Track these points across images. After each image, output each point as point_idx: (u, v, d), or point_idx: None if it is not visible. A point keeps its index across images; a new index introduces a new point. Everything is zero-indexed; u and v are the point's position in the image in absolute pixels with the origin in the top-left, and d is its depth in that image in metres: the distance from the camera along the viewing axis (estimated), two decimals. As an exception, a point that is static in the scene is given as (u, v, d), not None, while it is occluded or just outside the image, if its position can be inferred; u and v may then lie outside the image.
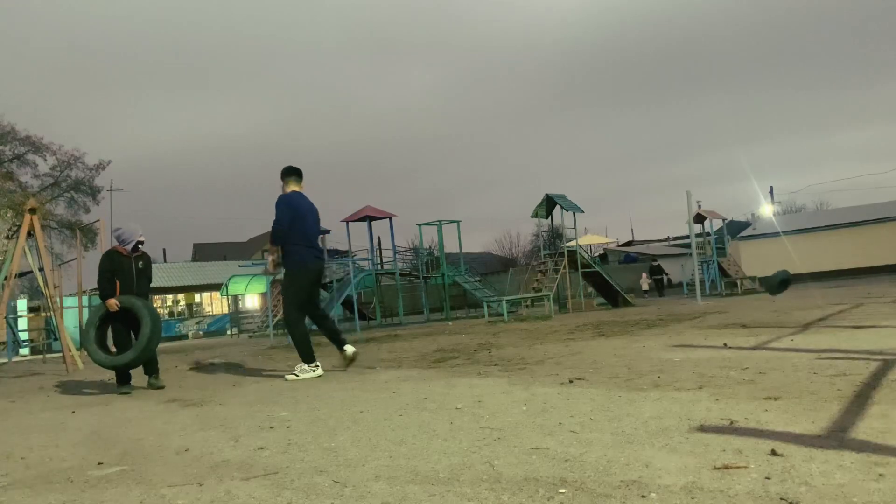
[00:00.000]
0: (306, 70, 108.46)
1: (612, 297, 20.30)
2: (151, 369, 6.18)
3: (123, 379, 6.02)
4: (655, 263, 29.72)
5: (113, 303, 5.93)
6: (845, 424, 2.55)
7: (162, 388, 5.99)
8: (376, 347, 9.51)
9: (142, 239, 6.17)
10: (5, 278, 10.51)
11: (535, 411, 3.34)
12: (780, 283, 14.04)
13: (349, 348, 6.19)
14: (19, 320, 19.50)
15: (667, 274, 29.03)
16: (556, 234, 24.72)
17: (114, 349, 6.11)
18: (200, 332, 30.11)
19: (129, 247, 6.10)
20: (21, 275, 14.12)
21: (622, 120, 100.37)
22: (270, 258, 6.26)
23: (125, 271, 6.07)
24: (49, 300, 10.91)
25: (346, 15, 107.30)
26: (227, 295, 29.64)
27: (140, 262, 6.18)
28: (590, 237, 34.86)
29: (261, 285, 26.50)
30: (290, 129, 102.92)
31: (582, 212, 19.96)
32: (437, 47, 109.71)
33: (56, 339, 14.29)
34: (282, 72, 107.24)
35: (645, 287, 30.89)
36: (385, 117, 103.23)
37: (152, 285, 6.43)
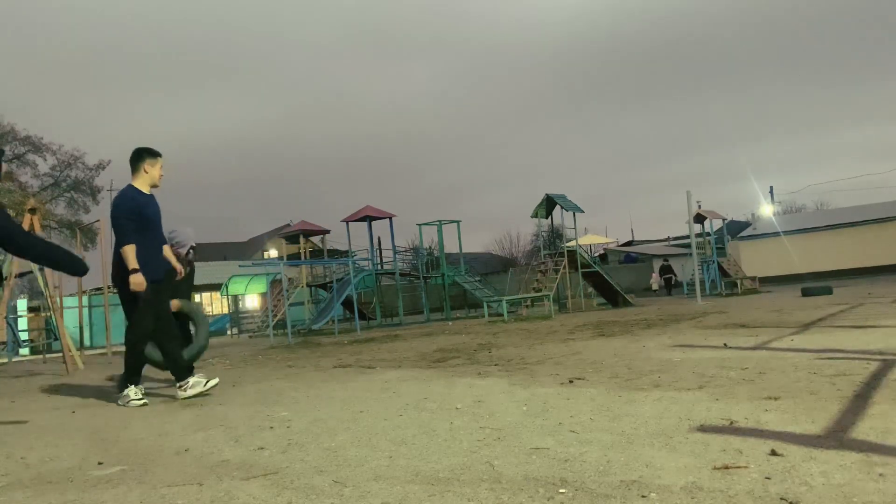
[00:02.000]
0: (305, 68, 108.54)
1: (612, 297, 20.30)
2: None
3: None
4: (666, 263, 30.31)
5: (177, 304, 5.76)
6: (845, 424, 2.55)
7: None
8: (376, 347, 9.52)
9: (194, 245, 6.07)
10: (5, 278, 10.51)
11: (535, 411, 3.35)
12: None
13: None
14: (19, 320, 19.50)
15: (675, 274, 29.48)
16: (556, 234, 24.72)
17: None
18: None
19: (183, 251, 5.96)
20: (21, 275, 14.12)
21: (622, 120, 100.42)
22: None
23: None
24: (49, 300, 10.91)
25: (345, 12, 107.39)
26: (227, 295, 29.64)
27: (187, 268, 6.15)
28: (590, 237, 34.91)
29: (261, 285, 26.49)
30: (289, 127, 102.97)
31: (582, 212, 19.96)
32: (437, 46, 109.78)
33: (56, 339, 14.28)
34: (281, 70, 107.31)
35: (655, 287, 31.65)
36: (385, 116, 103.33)
37: None
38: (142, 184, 4.96)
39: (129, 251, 4.76)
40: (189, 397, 4.94)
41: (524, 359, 6.00)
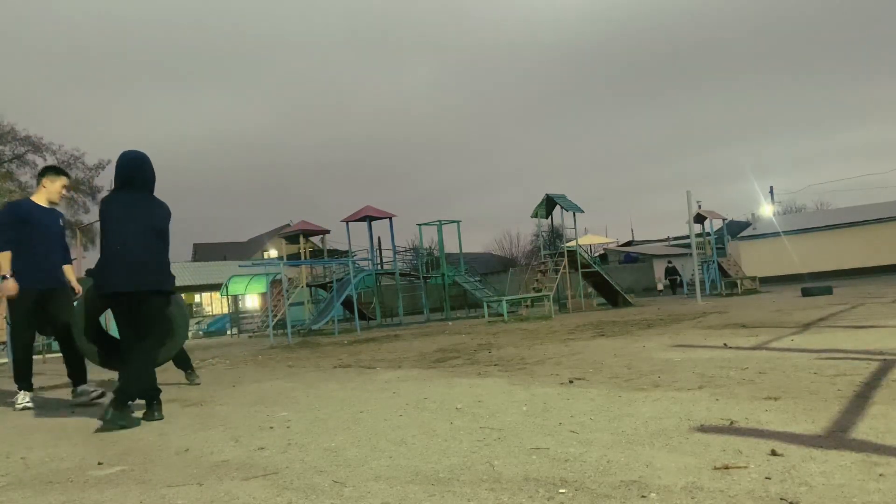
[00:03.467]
0: (305, 67, 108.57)
1: (612, 297, 20.30)
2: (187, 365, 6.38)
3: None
4: (671, 265, 31.10)
5: None
6: (845, 424, 2.55)
7: (198, 384, 6.19)
8: (376, 347, 9.52)
9: None
10: (4, 278, 10.49)
11: (535, 411, 3.35)
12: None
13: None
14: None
15: (679, 275, 29.95)
16: (556, 234, 24.73)
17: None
18: (200, 333, 30.08)
19: None
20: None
21: (622, 120, 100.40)
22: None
23: None
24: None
25: (344, 11, 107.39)
26: (227, 295, 29.65)
27: None
28: (590, 237, 34.96)
29: (260, 285, 26.49)
30: (288, 127, 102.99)
31: (582, 212, 19.96)
32: (437, 45, 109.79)
33: (56, 340, 14.27)
34: (280, 69, 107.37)
35: (660, 287, 32.88)
36: (384, 116, 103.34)
37: None
38: (40, 197, 5.24)
39: (2, 258, 4.97)
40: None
41: (524, 359, 6.00)
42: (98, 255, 4.79)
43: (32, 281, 5.03)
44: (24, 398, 5.12)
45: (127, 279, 4.01)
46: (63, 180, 5.35)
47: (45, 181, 5.27)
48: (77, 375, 5.24)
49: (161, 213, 4.30)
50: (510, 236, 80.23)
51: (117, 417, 3.78)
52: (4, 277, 4.96)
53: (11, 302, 5.07)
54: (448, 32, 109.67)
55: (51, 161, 31.91)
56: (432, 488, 2.14)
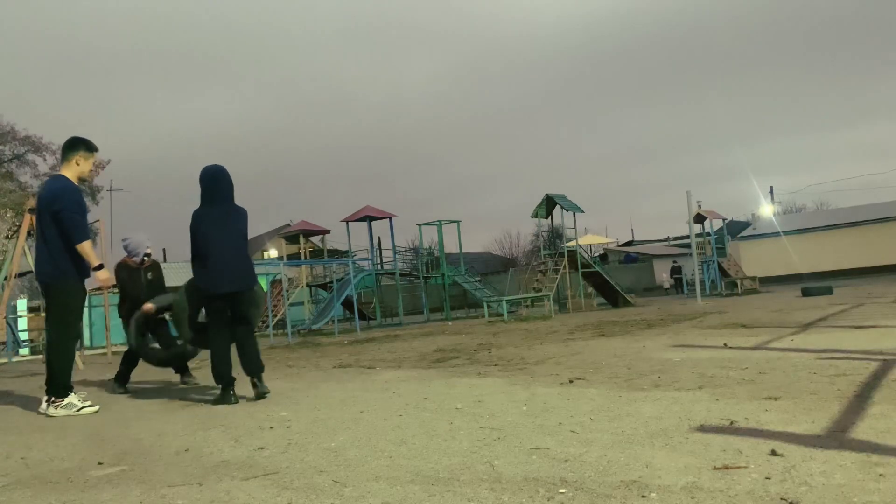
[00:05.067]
0: (304, 66, 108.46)
1: (612, 297, 20.31)
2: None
3: (123, 379, 6.04)
4: (676, 264, 31.56)
5: (149, 307, 5.75)
6: (845, 424, 2.56)
7: (196, 384, 6.12)
8: (376, 347, 9.52)
9: (149, 251, 6.05)
10: (5, 278, 10.52)
11: (535, 411, 3.35)
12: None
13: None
14: (19, 320, 19.47)
15: (684, 274, 30.29)
16: (556, 234, 24.74)
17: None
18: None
19: (138, 259, 5.99)
20: (21, 275, 14.12)
21: (622, 119, 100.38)
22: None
23: (134, 283, 5.95)
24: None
25: (344, 10, 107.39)
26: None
27: (150, 273, 6.09)
28: (590, 237, 35.01)
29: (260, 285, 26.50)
30: (288, 126, 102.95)
31: (582, 212, 19.98)
32: (437, 44, 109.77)
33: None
34: (280, 69, 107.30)
35: (666, 286, 33.38)
36: (384, 115, 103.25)
37: None
38: (71, 175, 4.61)
39: (89, 247, 4.44)
40: (54, 416, 4.41)
41: (524, 359, 6.00)
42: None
43: (84, 275, 4.53)
44: (79, 399, 4.53)
45: (229, 283, 4.68)
46: (95, 156, 4.78)
47: (79, 157, 4.60)
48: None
49: (243, 220, 4.91)
50: (510, 236, 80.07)
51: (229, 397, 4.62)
52: (100, 266, 4.45)
53: (62, 297, 4.47)
54: (449, 32, 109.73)
55: (51, 161, 31.88)
56: (432, 488, 2.14)
